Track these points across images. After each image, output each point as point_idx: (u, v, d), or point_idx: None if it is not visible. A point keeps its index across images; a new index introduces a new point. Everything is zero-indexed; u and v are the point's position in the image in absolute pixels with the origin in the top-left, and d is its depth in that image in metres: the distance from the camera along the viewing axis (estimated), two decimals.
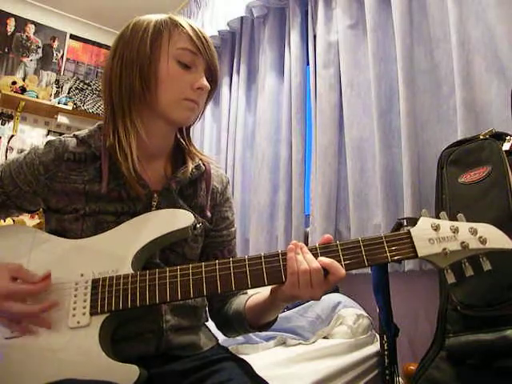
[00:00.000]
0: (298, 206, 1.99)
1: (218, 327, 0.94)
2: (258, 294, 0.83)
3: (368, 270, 1.32)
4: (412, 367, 1.23)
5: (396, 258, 0.69)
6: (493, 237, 0.68)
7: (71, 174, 0.81)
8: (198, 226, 0.84)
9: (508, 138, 1.10)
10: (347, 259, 0.69)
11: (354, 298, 1.58)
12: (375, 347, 1.41)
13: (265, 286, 0.71)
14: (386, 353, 1.28)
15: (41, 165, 0.80)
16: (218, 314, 0.91)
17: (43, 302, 0.71)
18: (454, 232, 0.68)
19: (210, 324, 0.93)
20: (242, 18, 2.51)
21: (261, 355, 1.29)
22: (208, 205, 0.89)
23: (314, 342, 1.40)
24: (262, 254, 0.71)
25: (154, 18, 0.83)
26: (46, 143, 0.83)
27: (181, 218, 0.78)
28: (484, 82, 1.37)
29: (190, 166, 0.86)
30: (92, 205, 0.79)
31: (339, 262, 0.69)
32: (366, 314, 1.50)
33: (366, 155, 1.75)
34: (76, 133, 0.85)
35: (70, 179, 0.80)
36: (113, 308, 0.70)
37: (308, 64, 2.17)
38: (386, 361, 1.27)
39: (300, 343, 1.38)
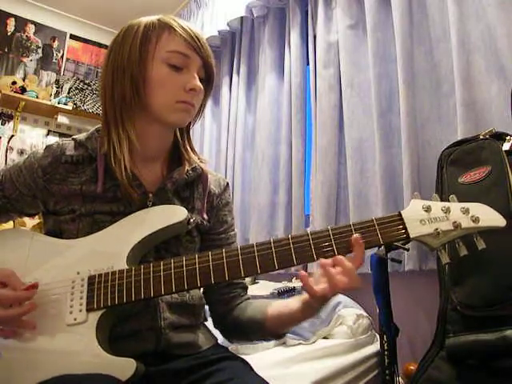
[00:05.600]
0: (298, 206, 1.99)
1: (225, 334, 0.93)
2: (281, 302, 0.83)
3: (368, 270, 1.31)
4: (412, 367, 1.23)
5: (388, 240, 0.68)
6: (485, 215, 0.67)
7: (69, 176, 0.82)
8: (191, 220, 0.84)
9: (508, 137, 1.10)
10: (339, 244, 0.69)
11: (353, 298, 1.57)
12: (375, 347, 1.41)
13: (258, 274, 0.71)
14: (385, 353, 1.28)
15: (39, 168, 0.82)
16: (225, 320, 0.90)
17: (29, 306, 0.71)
18: (445, 212, 0.68)
19: (209, 323, 0.93)
20: (241, 18, 2.52)
21: (261, 355, 1.28)
22: (205, 208, 0.89)
23: (314, 342, 1.39)
24: (255, 243, 0.71)
25: (143, 21, 0.82)
26: (45, 147, 0.85)
27: (174, 213, 0.79)
28: (484, 82, 1.37)
29: (186, 166, 0.87)
30: (88, 205, 0.80)
31: (331, 246, 0.69)
32: (365, 314, 1.50)
33: (366, 155, 1.75)
34: (75, 136, 0.87)
35: (68, 181, 0.81)
36: (109, 303, 0.71)
37: (308, 64, 2.17)
38: (386, 361, 1.27)
39: (300, 343, 1.38)
